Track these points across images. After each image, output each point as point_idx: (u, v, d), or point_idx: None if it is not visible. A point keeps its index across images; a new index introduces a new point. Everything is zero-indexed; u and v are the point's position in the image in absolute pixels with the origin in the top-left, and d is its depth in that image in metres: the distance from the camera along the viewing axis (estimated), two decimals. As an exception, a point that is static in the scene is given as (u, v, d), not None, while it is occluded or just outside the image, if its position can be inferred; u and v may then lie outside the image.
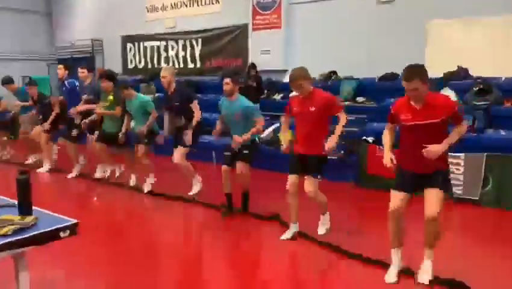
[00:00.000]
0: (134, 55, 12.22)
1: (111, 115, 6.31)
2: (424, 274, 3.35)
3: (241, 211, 5.13)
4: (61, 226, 2.48)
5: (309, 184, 4.19)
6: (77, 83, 7.06)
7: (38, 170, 7.44)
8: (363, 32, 8.37)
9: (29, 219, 2.49)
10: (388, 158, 3.43)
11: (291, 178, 4.25)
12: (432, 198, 3.28)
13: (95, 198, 5.79)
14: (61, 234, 2.47)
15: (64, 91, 7.20)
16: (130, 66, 12.33)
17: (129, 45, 12.29)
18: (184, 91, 5.52)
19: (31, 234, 2.37)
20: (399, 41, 7.82)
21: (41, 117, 7.54)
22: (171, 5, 11.29)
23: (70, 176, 7.09)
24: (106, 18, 12.80)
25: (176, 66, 11.17)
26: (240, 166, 4.89)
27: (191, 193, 5.65)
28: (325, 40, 8.77)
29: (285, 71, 9.40)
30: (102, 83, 6.32)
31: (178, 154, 5.44)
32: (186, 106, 5.33)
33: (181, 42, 11.12)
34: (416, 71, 3.20)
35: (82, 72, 6.89)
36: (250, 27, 9.78)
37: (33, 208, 2.66)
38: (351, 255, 3.89)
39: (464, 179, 5.45)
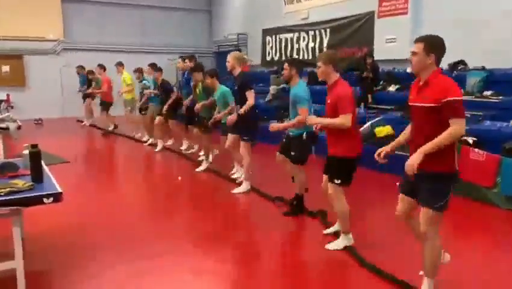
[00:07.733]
0: (272, 47, 12.69)
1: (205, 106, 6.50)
2: None
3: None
4: (44, 193, 2.91)
5: (329, 187, 3.80)
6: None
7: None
8: (502, 14, 7.06)
9: (26, 185, 2.99)
10: (379, 149, 3.00)
11: (324, 178, 3.97)
12: (420, 216, 2.76)
13: (179, 178, 6.35)
14: (45, 200, 2.90)
15: (182, 81, 7.99)
16: (268, 58, 12.84)
17: (267, 38, 12.80)
18: (243, 78, 5.43)
19: (19, 196, 2.84)
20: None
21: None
22: (305, -4, 11.34)
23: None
24: (252, 13, 13.59)
25: (305, 57, 11.22)
26: (290, 168, 4.68)
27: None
28: (455, 25, 7.66)
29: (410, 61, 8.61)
30: (194, 76, 6.57)
31: (243, 147, 5.47)
32: (241, 93, 5.32)
33: (311, 33, 11.10)
34: (428, 38, 2.71)
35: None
36: (376, 14, 9.20)
37: (45, 176, 3.21)
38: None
39: None
